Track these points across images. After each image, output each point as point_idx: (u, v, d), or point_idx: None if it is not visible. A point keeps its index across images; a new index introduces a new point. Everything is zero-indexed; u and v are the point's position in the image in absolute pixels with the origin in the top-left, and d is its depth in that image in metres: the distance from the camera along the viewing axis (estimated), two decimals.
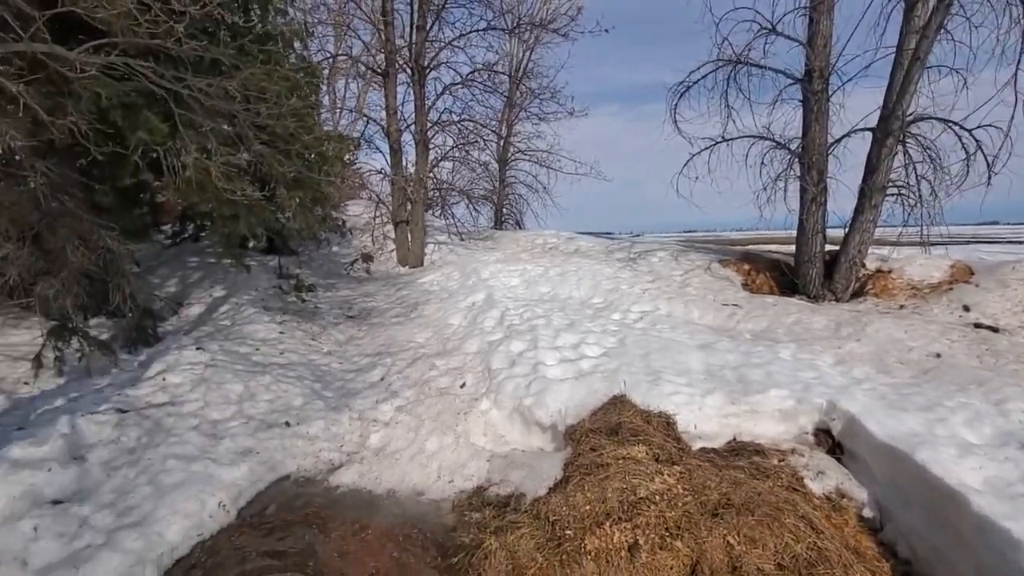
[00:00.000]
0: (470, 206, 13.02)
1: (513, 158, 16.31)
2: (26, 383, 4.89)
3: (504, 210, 17.84)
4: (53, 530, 2.92)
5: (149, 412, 4.29)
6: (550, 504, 2.90)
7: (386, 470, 3.89)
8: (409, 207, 10.91)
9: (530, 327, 5.57)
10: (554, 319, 5.80)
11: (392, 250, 11.23)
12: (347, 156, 10.17)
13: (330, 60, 11.23)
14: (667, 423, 3.64)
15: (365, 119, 11.66)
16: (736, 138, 7.40)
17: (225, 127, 5.18)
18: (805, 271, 7.10)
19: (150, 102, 4.84)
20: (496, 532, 2.83)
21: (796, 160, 7.13)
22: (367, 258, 10.12)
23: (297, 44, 8.26)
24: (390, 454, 4.06)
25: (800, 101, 7.13)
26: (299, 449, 4.14)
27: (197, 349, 5.46)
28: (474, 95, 11.04)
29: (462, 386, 4.79)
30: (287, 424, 4.42)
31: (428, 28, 9.95)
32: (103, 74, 4.36)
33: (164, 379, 4.83)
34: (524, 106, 12.61)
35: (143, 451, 3.76)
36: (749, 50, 7.02)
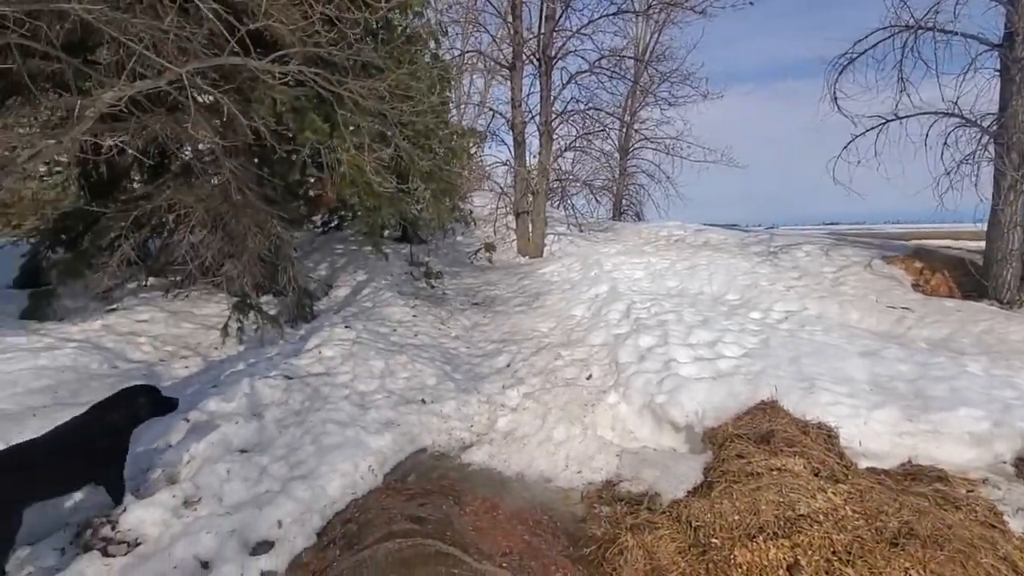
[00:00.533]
0: (590, 197, 12.83)
1: (636, 146, 15.75)
2: (215, 348, 5.77)
3: (624, 201, 17.35)
4: (240, 474, 3.40)
5: (309, 380, 4.84)
6: (692, 508, 2.74)
7: (514, 454, 3.97)
8: (531, 198, 11.05)
9: (659, 322, 5.33)
10: (685, 315, 5.49)
11: (513, 240, 11.48)
12: (473, 149, 10.60)
13: (459, 57, 11.69)
14: (828, 436, 3.26)
15: (490, 112, 12.00)
16: (912, 115, 6.37)
17: (376, 125, 5.63)
18: (998, 271, 5.93)
19: (315, 105, 5.41)
20: (632, 530, 2.74)
21: (991, 140, 5.95)
22: (490, 248, 10.44)
23: (431, 43, 8.74)
24: (518, 438, 4.13)
25: (997, 71, 5.93)
26: (434, 425, 4.39)
27: (345, 327, 6.05)
28: (600, 82, 10.82)
29: (588, 378, 4.73)
30: (423, 401, 4.71)
31: (557, 18, 9.92)
32: (279, 82, 4.97)
33: (320, 352, 5.42)
34: (653, 91, 12.06)
35: (306, 414, 4.24)
36: (936, 12, 5.97)
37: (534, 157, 11.61)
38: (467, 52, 12.09)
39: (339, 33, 4.50)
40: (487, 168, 11.84)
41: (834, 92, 6.93)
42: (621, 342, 5.10)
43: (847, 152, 6.88)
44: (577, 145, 11.80)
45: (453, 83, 10.02)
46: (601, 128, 11.62)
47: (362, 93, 4.98)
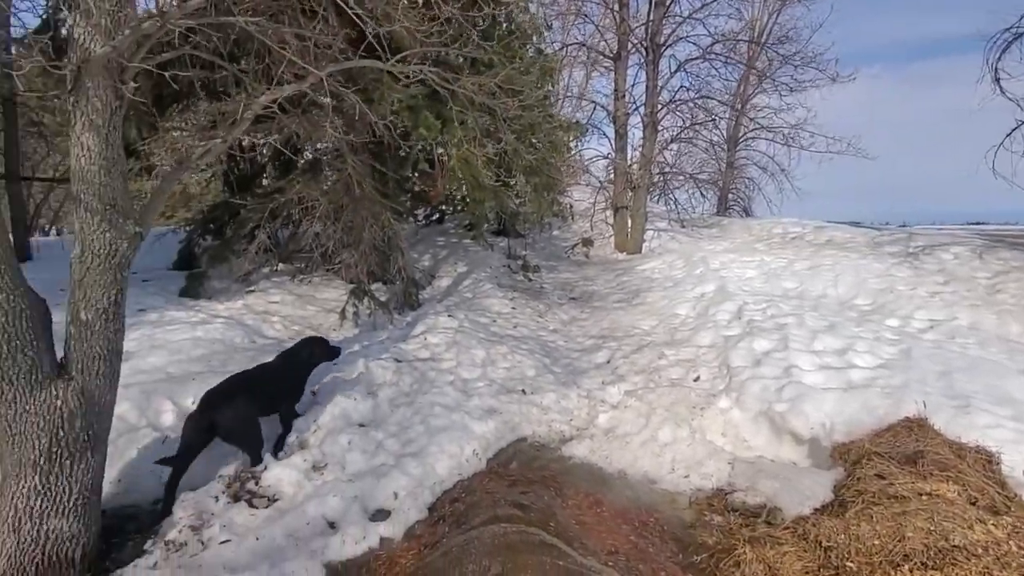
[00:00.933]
0: (695, 191, 12.19)
1: (747, 136, 14.68)
2: (334, 330, 6.26)
3: (730, 195, 16.30)
4: (360, 446, 3.67)
5: (417, 364, 5.10)
6: (822, 528, 2.50)
7: (616, 451, 3.89)
8: (630, 193, 10.75)
9: (777, 325, 4.94)
10: (807, 319, 5.03)
11: (610, 236, 11.25)
12: (572, 142, 10.50)
13: (561, 50, 11.62)
14: (987, 462, 2.82)
15: (590, 105, 11.81)
16: None
17: (484, 121, 5.77)
18: None
19: (428, 103, 5.66)
20: (751, 542, 2.57)
21: None
22: (587, 243, 10.32)
23: (535, 37, 8.77)
24: (620, 436, 4.05)
25: None
26: (534, 416, 4.43)
27: (448, 316, 6.29)
28: (713, 69, 10.20)
29: (696, 379, 4.51)
30: (523, 392, 4.78)
31: (668, 3, 9.51)
32: (402, 83, 5.27)
33: (426, 338, 5.68)
34: (772, 75, 11.14)
35: (415, 396, 4.48)
36: None
37: (636, 150, 11.27)
38: (569, 45, 12.00)
39: (456, 31, 4.67)
40: (586, 162, 11.68)
41: (996, 72, 5.96)
42: (732, 344, 4.79)
43: (1010, 140, 5.90)
44: (684, 136, 11.24)
45: (555, 77, 10.00)
46: (711, 118, 10.96)
47: (474, 90, 5.12)
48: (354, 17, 3.51)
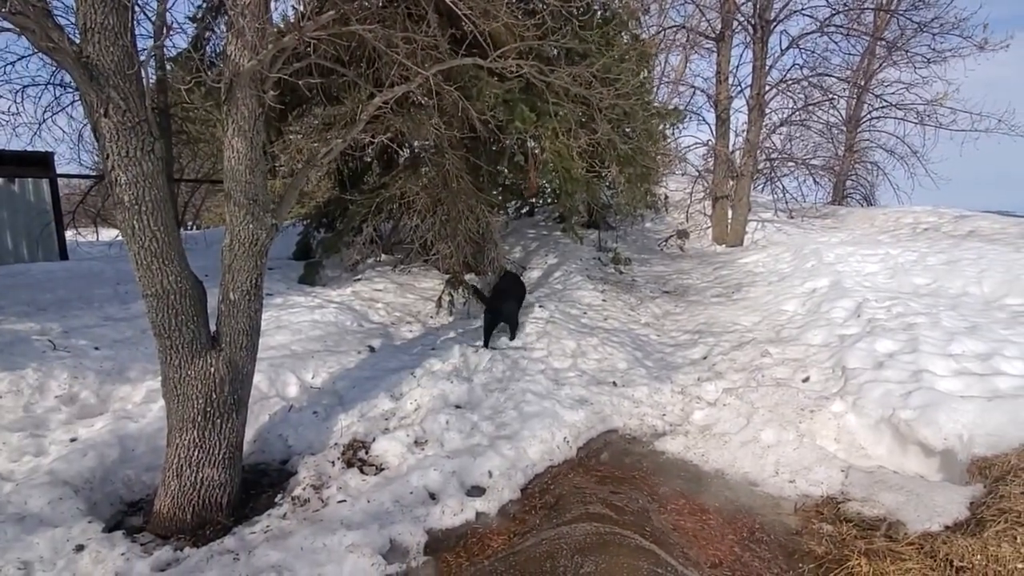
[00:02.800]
0: (806, 178, 11.21)
1: (871, 116, 13.17)
2: (431, 317, 6.61)
3: (848, 182, 14.78)
4: (456, 426, 3.88)
5: (509, 352, 5.24)
6: (954, 546, 2.25)
7: (713, 450, 3.75)
8: (732, 181, 10.15)
9: (904, 325, 4.45)
10: (943, 319, 4.47)
11: (707, 227, 10.72)
12: (669, 130, 10.10)
13: (659, 33, 11.19)
14: None
15: (689, 89, 11.27)
16: None
17: (578, 111, 5.75)
18: None
19: (523, 97, 5.76)
20: (867, 555, 2.38)
21: None
22: (682, 235, 9.93)
23: (631, 23, 8.52)
24: (717, 435, 3.89)
25: None
26: (625, 409, 4.39)
27: (539, 307, 6.39)
28: (833, 42, 9.27)
29: (805, 380, 4.20)
30: (614, 384, 4.75)
31: None
32: (504, 78, 5.41)
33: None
34: (904, 46, 9.85)
35: (508, 382, 4.62)
36: None
37: (739, 135, 10.60)
38: (667, 28, 11.51)
39: (552, 24, 4.70)
40: (682, 150, 11.20)
41: None
42: (850, 344, 4.40)
43: None
44: (795, 119, 10.36)
45: (651, 62, 9.67)
46: (828, 97, 9.98)
47: (569, 81, 5.13)
48: (460, 15, 3.68)
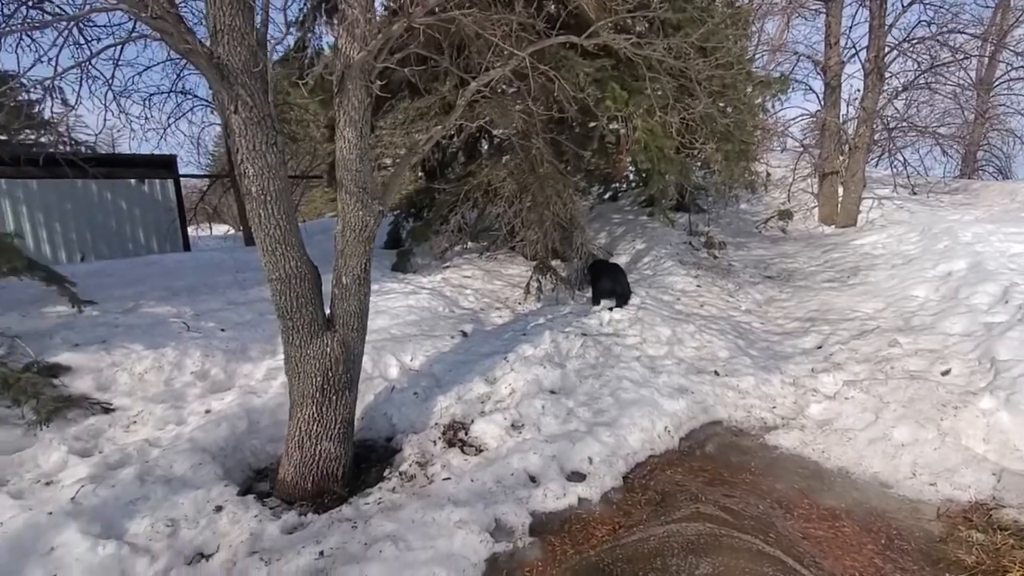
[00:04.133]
0: (931, 149, 9.91)
1: (1008, 78, 11.37)
2: (519, 303, 6.63)
3: (980, 153, 12.92)
4: (552, 411, 3.85)
5: (601, 339, 5.13)
6: None
7: (835, 446, 3.43)
8: (843, 155, 9.20)
9: None
10: None
11: (814, 207, 9.82)
12: (769, 102, 9.32)
13: None
14: None
15: (792, 57, 10.32)
16: None
17: (672, 87, 5.44)
18: None
19: (614, 74, 5.54)
20: None
21: None
22: (785, 215, 9.17)
23: None
24: (839, 430, 3.55)
25: None
26: (729, 399, 4.14)
27: (631, 293, 6.19)
28: None
29: (945, 373, 3.71)
30: (716, 373, 4.49)
31: None
32: (581, 56, 5.25)
33: (608, 315, 5.68)
34: None
35: (602, 368, 4.52)
36: None
37: (850, 104, 9.57)
38: None
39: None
40: (784, 123, 10.31)
41: None
42: (999, 334, 3.82)
43: None
44: (919, 83, 9.16)
45: (751, 29, 8.94)
46: (958, 57, 8.71)
47: (663, 54, 4.85)
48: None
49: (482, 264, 7.71)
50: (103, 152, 10.09)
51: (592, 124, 7.02)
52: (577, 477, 3.19)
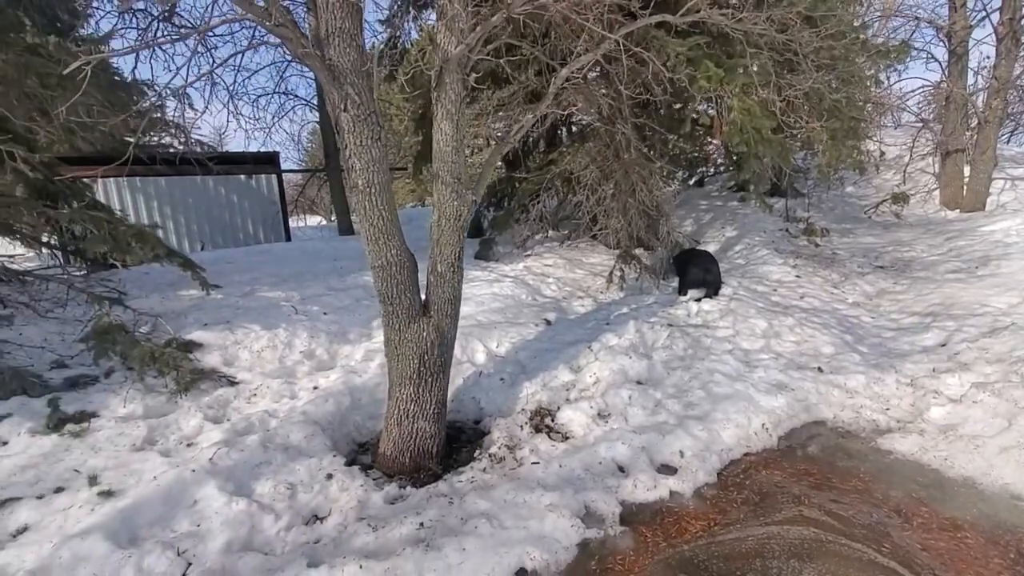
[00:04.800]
0: None
1: None
2: (601, 292, 6.54)
3: None
4: (639, 402, 3.79)
5: (688, 330, 4.96)
6: None
7: (960, 454, 3.10)
8: (970, 131, 8.13)
9: None
10: None
11: (934, 189, 8.78)
12: (884, 74, 8.40)
13: None
14: None
15: (910, 22, 9.22)
16: None
17: (774, 61, 5.07)
18: None
19: (707, 52, 5.26)
20: None
21: None
22: (899, 199, 8.27)
23: None
24: (965, 436, 3.20)
25: None
26: (835, 398, 3.85)
27: (721, 283, 5.91)
28: None
29: None
30: (819, 370, 4.19)
31: None
32: (672, 35, 5.02)
33: (696, 306, 5.47)
34: None
35: (691, 360, 4.38)
36: None
37: (979, 74, 8.41)
38: None
39: None
40: (900, 97, 9.25)
41: None
42: None
43: None
44: None
45: None
46: None
47: (764, 26, 4.53)
48: None
49: (563, 253, 7.69)
50: (219, 151, 11.20)
51: (678, 106, 6.73)
52: (668, 470, 3.13)
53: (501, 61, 3.74)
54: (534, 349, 4.66)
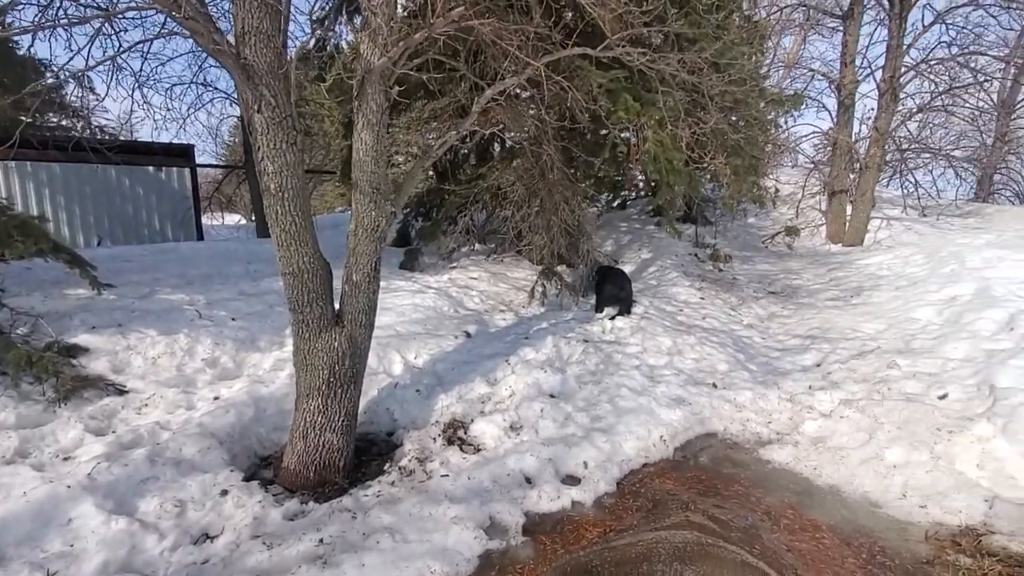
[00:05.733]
0: (944, 171, 9.90)
1: None
2: (523, 307, 6.70)
3: (998, 176, 12.86)
4: (550, 415, 3.92)
5: (602, 346, 5.20)
6: None
7: (827, 464, 3.48)
8: (853, 174, 9.21)
9: None
10: None
11: (820, 224, 9.84)
12: (782, 118, 9.35)
13: (776, 13, 10.38)
14: None
15: (807, 73, 10.35)
16: None
17: (684, 100, 5.51)
18: None
19: (626, 86, 5.62)
20: None
21: None
22: (792, 232, 9.19)
23: (744, 4, 7.95)
24: (832, 448, 3.60)
25: None
26: (726, 412, 4.19)
27: (633, 302, 6.25)
28: (989, 16, 8.05)
29: (942, 397, 3.75)
30: (714, 385, 4.55)
31: None
32: (595, 66, 5.33)
33: (611, 323, 5.75)
34: None
35: (601, 375, 4.59)
36: None
37: (864, 124, 9.58)
38: (784, 7, 10.63)
39: (661, 11, 4.52)
40: (796, 140, 10.32)
41: None
42: (1001, 361, 3.86)
43: None
44: (936, 104, 9.16)
45: (766, 45, 8.99)
46: (980, 79, 8.70)
47: (677, 67, 4.92)
48: (564, 5, 3.66)
49: (488, 266, 7.79)
50: (123, 139, 10.31)
51: (604, 132, 7.09)
52: (572, 481, 3.26)
53: (431, 76, 3.81)
54: (453, 361, 4.69)
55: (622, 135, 7.14)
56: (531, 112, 6.25)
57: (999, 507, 2.86)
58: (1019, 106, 12.35)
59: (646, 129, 5.76)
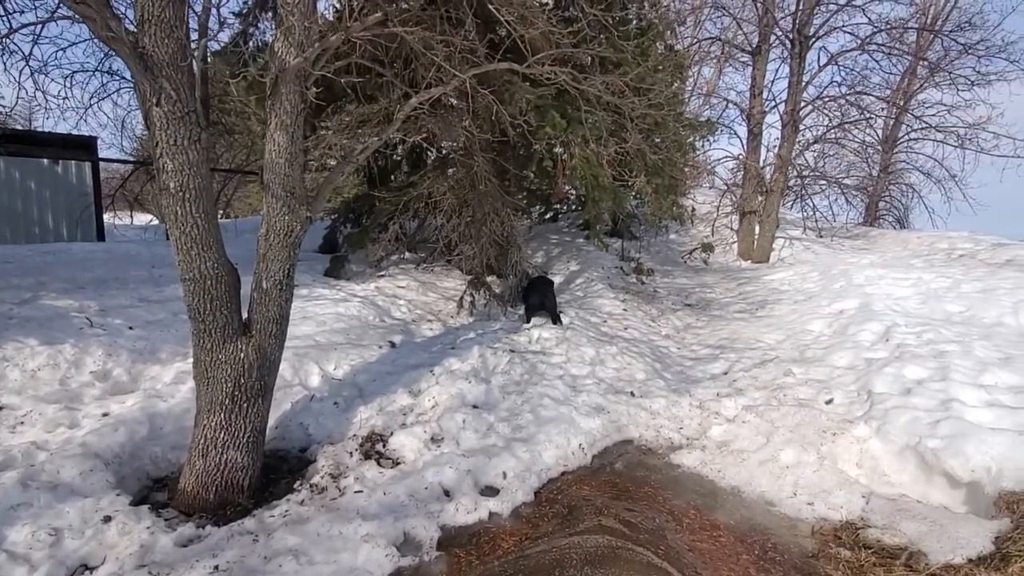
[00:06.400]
0: (837, 197, 11.00)
1: (909, 137, 12.84)
2: (452, 317, 6.66)
3: (881, 204, 14.43)
4: (472, 425, 3.91)
5: (528, 356, 5.26)
6: None
7: (730, 467, 3.71)
8: (761, 197, 10.01)
9: (935, 352, 4.34)
10: (975, 348, 4.35)
11: (733, 242, 10.58)
12: (699, 142, 10.01)
13: (694, 44, 11.13)
14: None
15: (722, 102, 11.16)
16: None
17: (608, 120, 5.76)
18: None
19: (554, 103, 5.79)
20: None
21: None
22: (707, 248, 9.81)
23: (667, 33, 8.47)
24: (735, 451, 3.85)
25: None
26: (641, 420, 4.37)
27: (560, 312, 6.39)
28: (874, 60, 9.07)
29: (828, 402, 4.13)
30: (632, 394, 4.73)
31: None
32: (526, 82, 5.46)
33: (537, 333, 5.84)
34: (948, 67, 9.59)
35: (525, 385, 4.64)
36: None
37: (770, 151, 10.45)
38: (702, 40, 11.44)
39: (588, 33, 4.72)
40: (712, 163, 11.07)
41: None
42: (877, 369, 4.31)
43: None
44: (829, 136, 10.17)
45: (686, 74, 9.62)
46: (865, 116, 9.78)
47: (602, 89, 5.15)
48: (496, 20, 3.74)
49: (418, 275, 7.69)
50: (16, 128, 9.23)
51: (534, 147, 7.25)
52: (490, 492, 3.26)
53: (354, 81, 3.73)
54: (375, 372, 4.56)
55: (555, 150, 7.36)
56: (464, 123, 6.28)
57: (874, 502, 3.17)
58: (900, 142, 13.99)
59: (573, 146, 5.96)
